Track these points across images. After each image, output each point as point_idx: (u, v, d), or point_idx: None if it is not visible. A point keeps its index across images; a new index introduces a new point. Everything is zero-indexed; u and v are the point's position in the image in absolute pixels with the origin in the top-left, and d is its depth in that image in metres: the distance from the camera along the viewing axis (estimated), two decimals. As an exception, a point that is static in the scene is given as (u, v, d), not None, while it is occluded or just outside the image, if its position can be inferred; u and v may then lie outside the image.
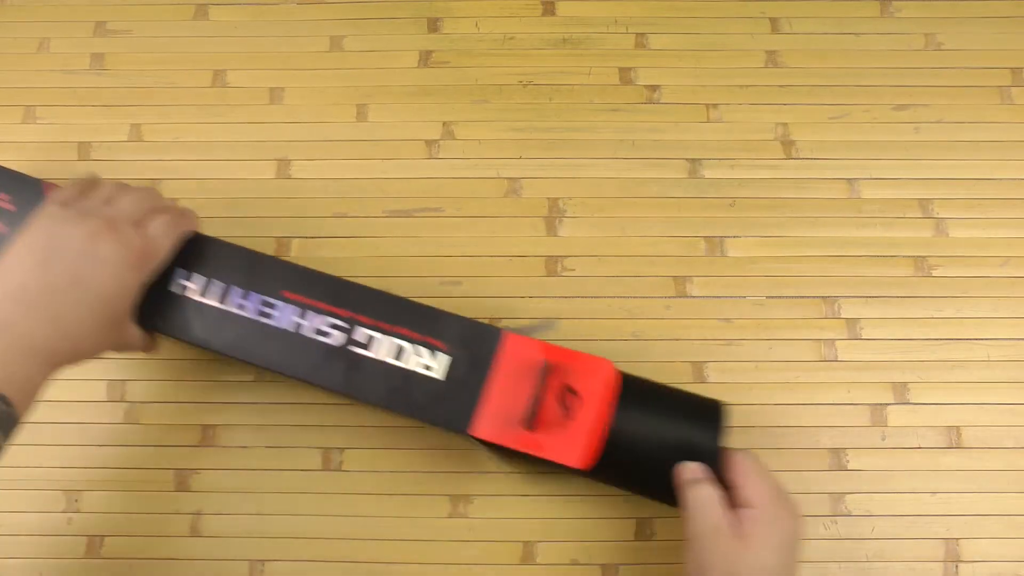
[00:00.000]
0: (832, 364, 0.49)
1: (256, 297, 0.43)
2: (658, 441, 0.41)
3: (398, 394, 0.41)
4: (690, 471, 0.40)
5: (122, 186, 0.43)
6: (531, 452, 0.40)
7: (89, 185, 0.42)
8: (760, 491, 0.39)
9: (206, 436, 0.49)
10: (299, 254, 0.51)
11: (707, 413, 0.42)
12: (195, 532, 0.47)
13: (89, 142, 0.54)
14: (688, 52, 0.55)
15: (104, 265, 0.38)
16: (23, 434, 0.49)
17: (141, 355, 0.50)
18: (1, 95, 0.54)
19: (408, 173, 0.53)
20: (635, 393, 0.42)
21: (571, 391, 0.40)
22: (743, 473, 0.40)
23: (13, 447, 0.48)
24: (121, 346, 0.41)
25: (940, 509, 0.47)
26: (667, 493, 0.41)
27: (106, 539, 0.47)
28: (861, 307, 0.50)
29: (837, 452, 0.48)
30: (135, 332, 0.42)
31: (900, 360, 0.49)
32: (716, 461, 0.40)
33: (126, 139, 0.54)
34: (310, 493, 0.48)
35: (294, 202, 0.52)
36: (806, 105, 0.54)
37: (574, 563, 0.47)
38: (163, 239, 0.41)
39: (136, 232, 0.40)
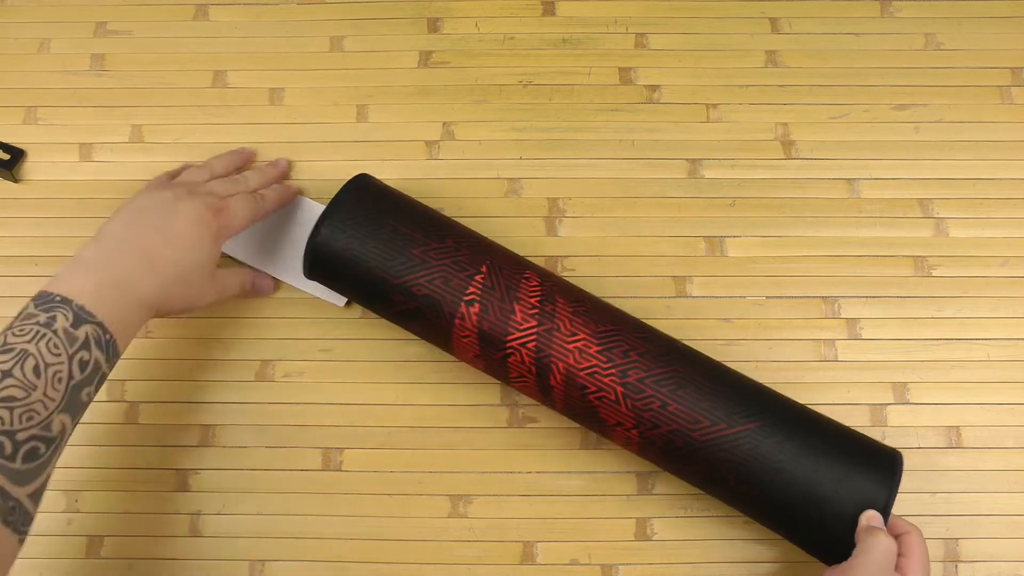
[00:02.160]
0: (832, 364, 0.49)
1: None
2: (832, 489, 0.40)
3: None
4: (877, 519, 0.40)
5: (210, 169, 0.49)
6: None
7: (185, 170, 0.49)
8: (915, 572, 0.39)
9: (206, 436, 0.49)
10: (299, 254, 0.51)
11: (883, 464, 0.41)
12: (195, 532, 0.47)
13: (90, 143, 0.54)
14: (688, 52, 0.55)
15: (183, 217, 0.43)
16: (23, 434, 0.49)
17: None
18: (2, 95, 0.55)
19: (408, 173, 0.53)
20: (811, 431, 0.42)
21: None
22: (906, 551, 0.40)
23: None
24: (219, 291, 0.46)
25: (940, 509, 0.47)
26: (821, 538, 0.41)
27: (106, 539, 0.47)
28: (861, 307, 0.50)
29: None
30: (229, 281, 0.47)
31: (900, 360, 0.49)
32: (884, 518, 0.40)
33: (127, 140, 0.54)
34: (310, 493, 0.48)
35: (294, 202, 0.52)
36: (806, 105, 0.54)
37: (574, 563, 0.47)
38: (239, 208, 0.45)
39: (213, 197, 0.45)
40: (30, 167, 0.53)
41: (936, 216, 0.52)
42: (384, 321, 0.50)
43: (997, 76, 0.54)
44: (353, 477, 0.48)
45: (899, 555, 0.40)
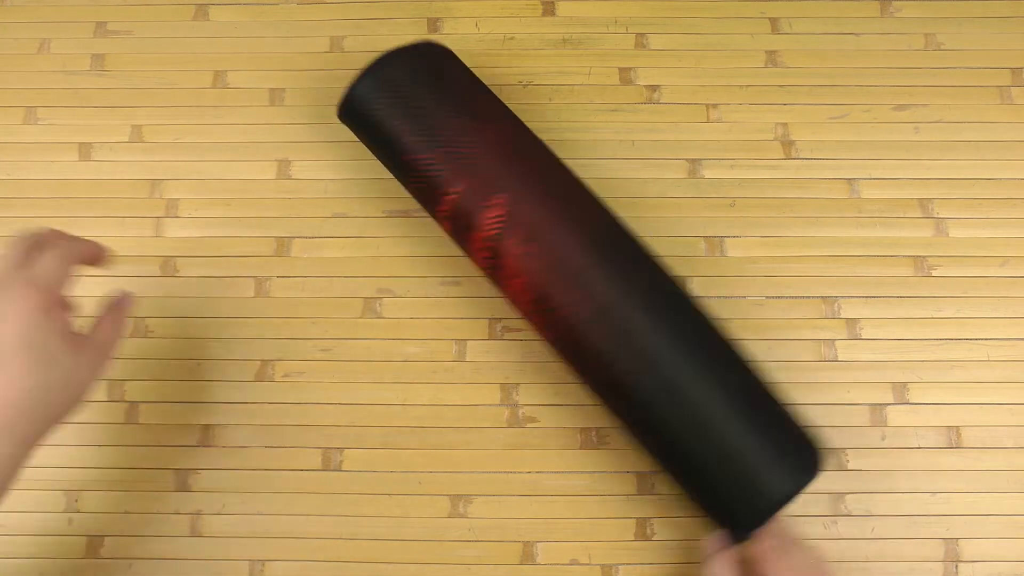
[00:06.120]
0: (832, 364, 0.49)
1: None
2: (728, 465, 0.40)
3: None
4: (710, 544, 0.42)
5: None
6: None
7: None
8: None
9: (206, 436, 0.49)
10: (299, 254, 0.51)
11: (800, 453, 0.41)
12: (195, 532, 0.47)
13: (90, 143, 0.54)
14: (688, 52, 0.55)
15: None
16: (23, 434, 0.49)
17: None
18: (2, 96, 0.55)
19: (408, 173, 0.53)
20: (745, 396, 0.42)
21: None
22: (766, 560, 0.40)
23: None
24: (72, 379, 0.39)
25: (940, 509, 0.47)
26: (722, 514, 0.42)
27: (106, 539, 0.47)
28: (861, 307, 0.50)
29: (837, 452, 0.48)
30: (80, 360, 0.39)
31: (900, 360, 0.49)
32: (772, 513, 0.40)
33: (127, 140, 0.54)
34: (310, 493, 0.48)
35: (294, 202, 0.52)
36: (806, 105, 0.54)
37: (574, 563, 0.47)
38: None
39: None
40: (29, 166, 0.53)
41: (936, 216, 0.52)
42: (384, 320, 0.50)
43: (997, 76, 0.54)
44: (353, 477, 0.48)
45: (760, 563, 0.41)
